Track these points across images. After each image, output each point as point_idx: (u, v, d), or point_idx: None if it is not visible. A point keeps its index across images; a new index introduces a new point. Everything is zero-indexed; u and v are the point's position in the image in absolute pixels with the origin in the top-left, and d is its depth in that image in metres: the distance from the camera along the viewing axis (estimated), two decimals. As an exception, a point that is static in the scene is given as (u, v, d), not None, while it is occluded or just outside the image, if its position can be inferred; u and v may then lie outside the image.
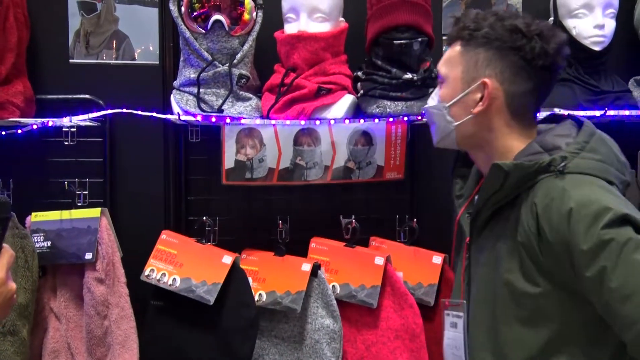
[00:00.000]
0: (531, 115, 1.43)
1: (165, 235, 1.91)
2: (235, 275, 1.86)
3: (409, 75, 1.86)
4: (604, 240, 1.21)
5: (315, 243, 1.95)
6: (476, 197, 1.49)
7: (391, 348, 1.90)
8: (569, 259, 1.25)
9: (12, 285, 1.27)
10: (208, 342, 1.88)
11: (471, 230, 1.44)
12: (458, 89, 1.42)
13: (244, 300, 1.86)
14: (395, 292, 1.91)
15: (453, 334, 1.49)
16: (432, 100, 1.51)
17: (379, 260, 1.88)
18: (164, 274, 1.88)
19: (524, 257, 1.32)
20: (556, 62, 1.39)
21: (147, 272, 1.86)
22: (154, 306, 1.88)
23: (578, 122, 1.44)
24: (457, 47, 1.42)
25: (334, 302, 1.87)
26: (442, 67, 1.46)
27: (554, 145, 1.37)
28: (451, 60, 1.44)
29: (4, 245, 1.26)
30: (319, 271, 1.87)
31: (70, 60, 2.05)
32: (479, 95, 1.38)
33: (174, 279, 1.87)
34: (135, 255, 1.93)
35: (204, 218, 1.97)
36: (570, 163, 1.32)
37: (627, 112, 1.82)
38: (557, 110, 1.78)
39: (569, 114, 1.46)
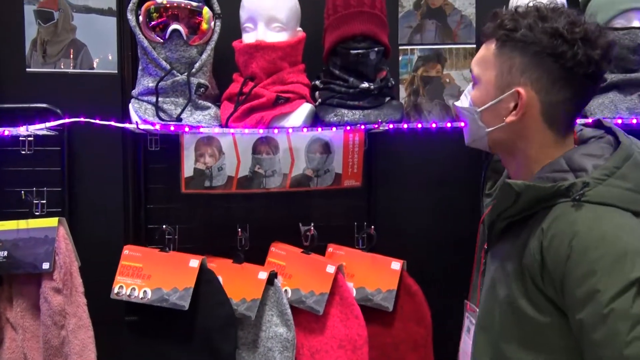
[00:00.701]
0: (569, 123, 1.35)
1: (127, 250, 1.92)
2: (205, 277, 1.87)
3: (365, 85, 1.88)
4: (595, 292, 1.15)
5: (274, 247, 1.98)
6: None
7: (334, 357, 1.92)
8: (563, 296, 1.23)
9: None
10: (190, 348, 1.88)
11: (488, 237, 1.42)
12: (491, 94, 1.34)
13: (218, 300, 1.87)
14: (344, 301, 1.93)
15: (466, 338, 1.49)
16: (465, 99, 1.44)
17: (330, 269, 1.90)
18: (133, 289, 1.88)
19: (528, 279, 1.28)
20: (601, 69, 1.29)
21: (116, 290, 1.86)
22: (129, 322, 1.88)
23: (617, 141, 1.34)
24: (492, 47, 1.33)
25: (289, 311, 1.88)
26: (475, 67, 1.38)
27: (580, 166, 1.28)
28: (485, 61, 1.35)
29: None
30: (275, 280, 1.88)
31: (27, 69, 2.02)
32: (512, 104, 1.31)
33: (145, 292, 1.87)
34: (94, 264, 1.94)
35: (164, 226, 1.97)
36: (592, 190, 1.24)
37: (579, 121, 1.75)
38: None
39: (611, 127, 1.38)
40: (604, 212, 1.21)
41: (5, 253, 1.80)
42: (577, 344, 1.22)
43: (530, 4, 1.31)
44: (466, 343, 1.50)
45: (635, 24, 1.84)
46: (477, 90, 1.36)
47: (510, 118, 1.30)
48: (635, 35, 1.83)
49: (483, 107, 1.34)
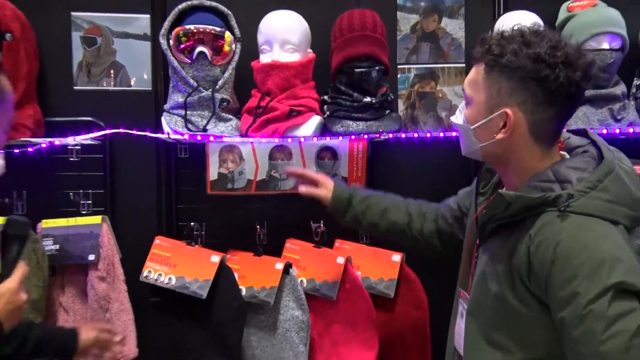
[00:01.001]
0: (554, 137, 1.35)
1: (159, 240, 2.00)
2: (223, 272, 1.95)
3: (368, 99, 1.96)
4: (576, 294, 1.16)
5: (289, 243, 2.06)
6: None
7: (347, 337, 2.00)
8: (547, 295, 1.24)
9: (23, 295, 1.38)
10: (202, 333, 1.95)
11: (480, 233, 1.42)
12: (482, 114, 1.34)
13: (232, 294, 1.95)
14: (353, 287, 2.00)
15: (459, 322, 1.51)
16: (460, 114, 1.44)
17: (340, 260, 1.99)
18: (160, 274, 1.95)
19: (517, 278, 1.29)
20: (581, 88, 1.28)
21: (145, 274, 1.94)
22: (153, 303, 1.97)
23: (600, 154, 1.35)
24: (481, 70, 1.33)
25: (303, 296, 1.96)
26: (467, 88, 1.38)
27: (566, 177, 1.28)
28: (476, 83, 1.35)
29: (20, 261, 1.40)
30: (290, 269, 1.98)
31: (75, 87, 2.10)
32: (501, 123, 1.31)
33: (170, 278, 1.94)
34: (133, 256, 2.02)
35: (192, 224, 2.06)
36: (576, 202, 1.24)
37: None
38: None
39: (596, 140, 1.39)
40: (586, 222, 1.22)
41: (58, 246, 1.90)
42: (558, 336, 1.23)
43: (515, 28, 1.30)
44: (460, 326, 1.53)
45: (605, 46, 1.98)
46: (469, 109, 1.37)
47: (500, 135, 1.31)
48: (604, 56, 1.96)
49: (475, 125, 1.35)
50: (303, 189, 1.79)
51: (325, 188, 1.77)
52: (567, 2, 2.12)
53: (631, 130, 1.98)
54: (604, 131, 1.94)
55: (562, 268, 1.19)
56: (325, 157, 2.06)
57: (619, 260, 1.16)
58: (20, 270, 1.39)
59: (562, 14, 2.10)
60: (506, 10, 2.16)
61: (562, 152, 1.38)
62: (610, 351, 1.14)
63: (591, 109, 2.01)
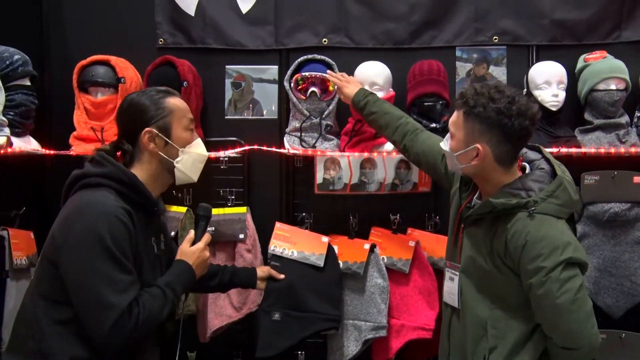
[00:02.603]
0: (513, 160, 1.60)
1: (278, 224, 2.34)
2: (328, 249, 2.26)
3: (434, 125, 2.29)
4: (540, 268, 1.48)
5: (374, 230, 2.40)
6: (474, 198, 1.70)
7: (415, 299, 2.31)
8: (519, 268, 1.53)
9: (207, 253, 1.69)
10: (314, 290, 2.22)
11: (465, 222, 1.69)
12: (461, 146, 1.59)
13: (334, 264, 2.27)
14: (421, 264, 2.32)
15: (450, 284, 1.77)
16: (447, 143, 1.66)
17: (412, 243, 2.32)
18: (284, 249, 2.25)
19: (496, 255, 1.56)
20: (530, 131, 1.55)
21: (272, 248, 2.27)
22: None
23: (552, 170, 1.59)
24: (461, 114, 1.58)
25: (384, 269, 2.28)
26: (451, 126, 1.62)
27: (530, 187, 1.55)
28: (457, 124, 1.60)
29: (207, 232, 1.76)
30: (375, 249, 2.31)
31: (225, 117, 2.52)
32: (474, 154, 1.56)
33: (292, 252, 2.25)
34: (263, 236, 2.39)
35: (304, 214, 2.44)
36: (539, 206, 1.51)
37: (574, 150, 2.29)
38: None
39: (549, 158, 1.63)
40: (545, 219, 1.53)
41: (213, 228, 2.28)
42: (525, 295, 1.54)
43: (484, 85, 1.57)
44: (449, 287, 1.77)
45: (612, 87, 2.30)
46: (453, 141, 1.63)
47: (474, 162, 1.58)
48: (612, 94, 2.29)
49: (457, 154, 1.61)
50: (329, 76, 2.15)
51: (350, 90, 2.09)
52: (584, 54, 2.43)
53: (633, 150, 2.31)
54: (612, 150, 2.28)
55: (530, 249, 1.50)
56: (402, 167, 2.39)
57: (568, 243, 1.51)
58: (206, 237, 1.72)
59: (580, 63, 2.43)
60: (537, 60, 2.45)
61: (523, 163, 1.68)
62: (562, 302, 1.47)
63: (602, 134, 2.34)
